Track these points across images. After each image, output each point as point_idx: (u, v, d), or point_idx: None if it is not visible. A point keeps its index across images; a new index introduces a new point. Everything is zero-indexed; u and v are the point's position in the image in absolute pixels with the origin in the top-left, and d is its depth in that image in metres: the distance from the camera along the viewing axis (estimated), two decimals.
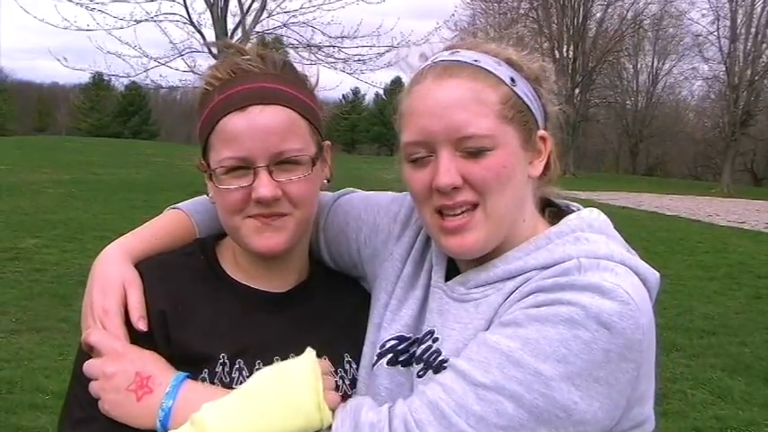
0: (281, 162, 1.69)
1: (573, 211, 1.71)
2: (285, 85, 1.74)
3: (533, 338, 1.41)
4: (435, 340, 1.62)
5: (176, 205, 1.95)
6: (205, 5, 21.37)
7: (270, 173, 1.68)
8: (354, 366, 1.79)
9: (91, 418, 1.62)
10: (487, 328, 1.53)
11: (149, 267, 1.76)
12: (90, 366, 1.61)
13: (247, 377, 1.65)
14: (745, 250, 17.10)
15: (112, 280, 1.71)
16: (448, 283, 1.69)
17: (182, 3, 21.28)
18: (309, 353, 1.55)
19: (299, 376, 1.51)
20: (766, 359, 8.81)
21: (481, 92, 1.59)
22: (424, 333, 1.67)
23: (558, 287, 1.46)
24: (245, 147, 1.67)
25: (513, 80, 1.63)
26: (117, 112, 72.90)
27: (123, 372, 1.60)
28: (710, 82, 53.12)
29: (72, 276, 10.56)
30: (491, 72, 1.62)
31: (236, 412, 1.49)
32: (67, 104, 77.99)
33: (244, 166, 1.69)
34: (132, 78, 23.42)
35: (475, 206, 1.59)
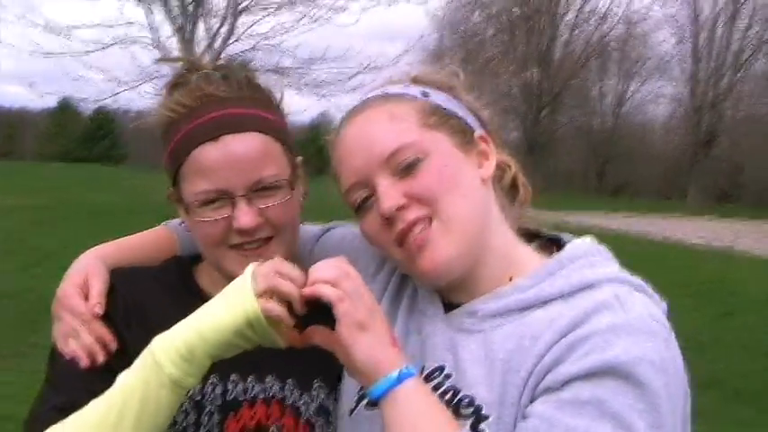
0: (259, 189, 1.65)
1: (567, 241, 1.63)
2: (254, 108, 1.70)
3: (620, 413, 1.31)
4: (448, 377, 1.52)
5: (167, 222, 1.94)
6: (172, 30, 21.35)
7: (249, 201, 1.64)
8: (325, 393, 1.75)
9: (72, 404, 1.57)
10: (505, 362, 1.45)
11: (118, 271, 1.76)
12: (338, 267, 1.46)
13: (211, 391, 1.66)
14: (715, 268, 17.29)
15: (75, 271, 1.74)
16: (451, 314, 1.59)
17: (149, 27, 21.26)
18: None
19: (237, 279, 1.46)
20: (738, 375, 8.90)
21: (394, 110, 1.56)
22: (430, 370, 1.55)
23: (610, 329, 1.36)
24: (222, 178, 1.64)
25: (425, 93, 1.60)
26: (84, 136, 72.43)
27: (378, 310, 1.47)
28: (675, 103, 53.87)
29: (39, 302, 10.43)
30: (399, 93, 1.61)
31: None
32: (34, 129, 77.35)
33: (221, 197, 1.65)
34: (100, 103, 23.34)
35: (430, 220, 1.52)
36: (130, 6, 22.02)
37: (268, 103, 1.75)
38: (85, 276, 1.73)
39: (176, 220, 1.93)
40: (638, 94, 60.22)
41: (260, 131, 1.68)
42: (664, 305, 1.52)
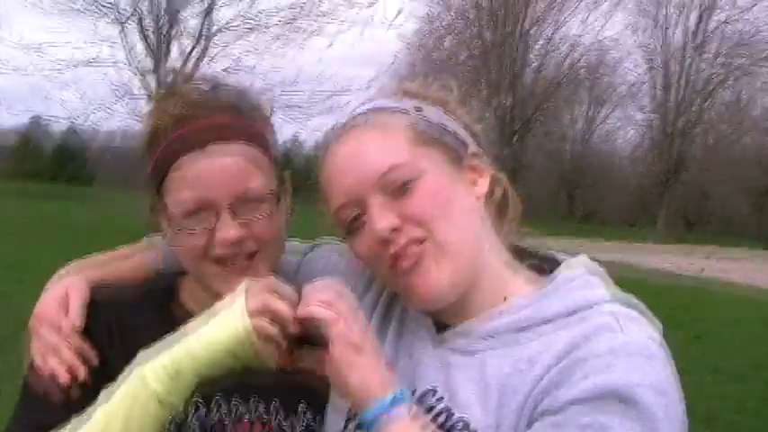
0: (244, 201, 1.60)
1: (561, 260, 1.60)
2: (242, 118, 1.65)
3: None
4: (440, 399, 1.47)
5: (151, 238, 1.89)
6: (146, 50, 21.33)
7: (233, 213, 1.59)
8: (310, 415, 1.70)
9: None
10: (501, 385, 1.42)
11: (99, 287, 1.72)
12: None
13: (194, 411, 1.62)
14: (683, 293, 17.43)
15: (54, 286, 1.69)
16: (443, 335, 1.54)
17: (123, 47, 21.23)
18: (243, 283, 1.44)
19: (228, 296, 1.44)
20: (708, 398, 8.94)
21: (385, 127, 1.52)
22: (422, 392, 1.50)
23: (610, 352, 1.34)
24: (206, 188, 1.58)
25: (417, 109, 1.55)
26: (54, 156, 71.86)
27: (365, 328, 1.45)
28: (645, 130, 54.39)
29: (8, 321, 10.28)
30: (390, 108, 1.55)
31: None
32: (3, 147, 76.64)
33: (205, 209, 1.59)
34: (71, 122, 23.24)
35: (423, 242, 1.47)
36: (104, 26, 21.96)
37: (257, 115, 1.71)
38: (65, 291, 1.68)
39: (160, 237, 1.87)
40: (609, 120, 60.85)
41: (247, 142, 1.63)
42: (659, 326, 1.50)
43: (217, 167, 1.59)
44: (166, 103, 1.66)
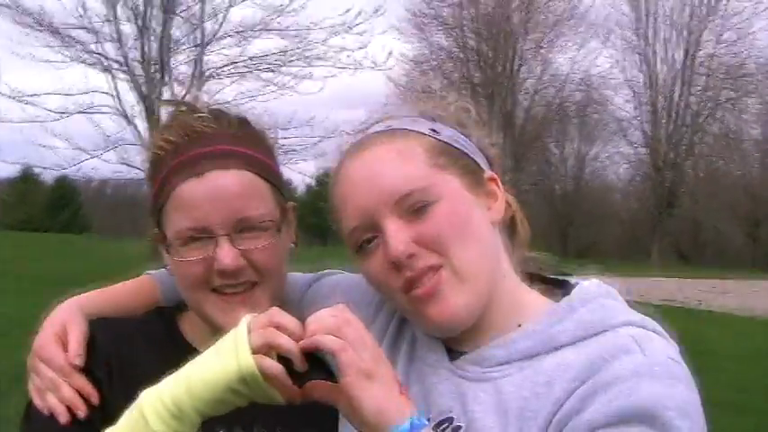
0: (243, 229, 1.58)
1: (573, 283, 1.57)
2: (243, 146, 1.64)
3: None
4: (458, 428, 1.44)
5: (150, 271, 1.86)
6: (137, 97, 21.42)
7: (231, 241, 1.56)
8: None
9: None
10: (519, 410, 1.39)
11: (97, 321, 1.68)
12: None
13: None
14: (682, 327, 17.24)
15: (52, 321, 1.66)
16: (456, 362, 1.51)
17: (114, 95, 21.32)
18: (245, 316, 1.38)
19: (230, 332, 1.36)
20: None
21: (403, 149, 1.48)
22: (439, 420, 1.46)
23: (634, 374, 1.32)
24: (204, 215, 1.56)
25: (434, 130, 1.52)
26: (46, 205, 71.89)
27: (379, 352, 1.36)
28: (635, 165, 54.62)
29: (3, 374, 10.19)
30: (407, 129, 1.52)
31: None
32: None
33: (203, 236, 1.57)
34: (63, 171, 23.28)
35: (438, 269, 1.44)
36: (95, 74, 22.15)
37: (259, 143, 1.69)
38: (63, 326, 1.65)
39: (159, 270, 1.86)
40: (600, 156, 61.06)
41: (247, 169, 1.61)
42: (676, 345, 1.47)
43: (214, 194, 1.57)
44: (168, 131, 1.65)
